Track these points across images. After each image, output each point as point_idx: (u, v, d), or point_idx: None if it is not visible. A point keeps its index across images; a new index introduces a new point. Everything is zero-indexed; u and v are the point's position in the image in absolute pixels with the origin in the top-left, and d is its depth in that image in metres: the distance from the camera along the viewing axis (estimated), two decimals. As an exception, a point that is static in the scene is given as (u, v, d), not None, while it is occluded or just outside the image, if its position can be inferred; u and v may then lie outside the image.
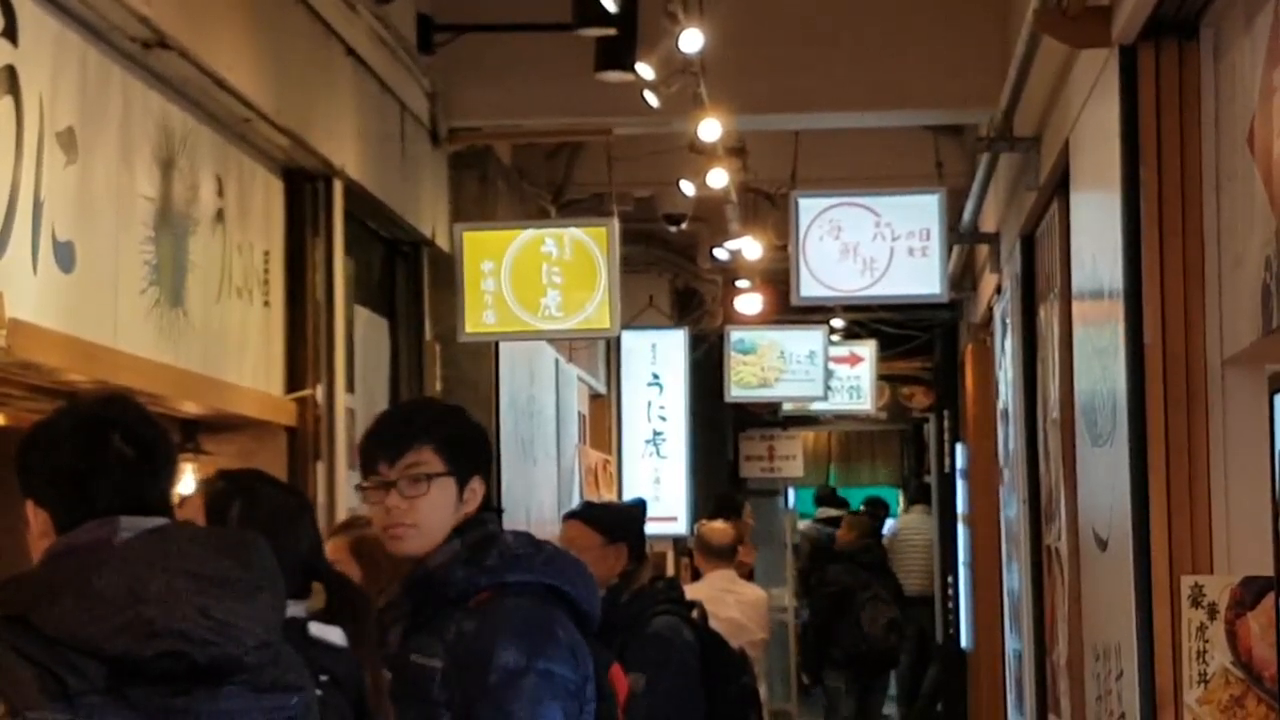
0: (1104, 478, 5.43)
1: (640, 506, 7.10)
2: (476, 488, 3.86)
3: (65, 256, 4.82)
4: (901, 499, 23.34)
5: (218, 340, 6.13)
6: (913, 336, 17.72)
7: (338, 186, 7.17)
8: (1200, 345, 4.78)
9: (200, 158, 5.96)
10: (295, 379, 6.93)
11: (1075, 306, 6.25)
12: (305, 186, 7.04)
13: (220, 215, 6.18)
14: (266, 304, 6.72)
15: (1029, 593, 8.04)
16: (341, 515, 6.82)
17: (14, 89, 4.49)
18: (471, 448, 3.91)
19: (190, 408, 6.08)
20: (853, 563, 15.97)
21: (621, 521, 6.64)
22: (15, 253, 4.49)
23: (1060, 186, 6.56)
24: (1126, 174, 4.93)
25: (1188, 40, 4.81)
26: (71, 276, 4.87)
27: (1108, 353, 5.29)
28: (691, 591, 9.68)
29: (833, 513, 20.56)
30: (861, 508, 19.58)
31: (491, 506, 3.93)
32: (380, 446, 3.87)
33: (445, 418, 3.98)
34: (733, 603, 9.38)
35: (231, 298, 6.29)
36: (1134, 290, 4.89)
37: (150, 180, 5.52)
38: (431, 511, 3.80)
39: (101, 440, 3.04)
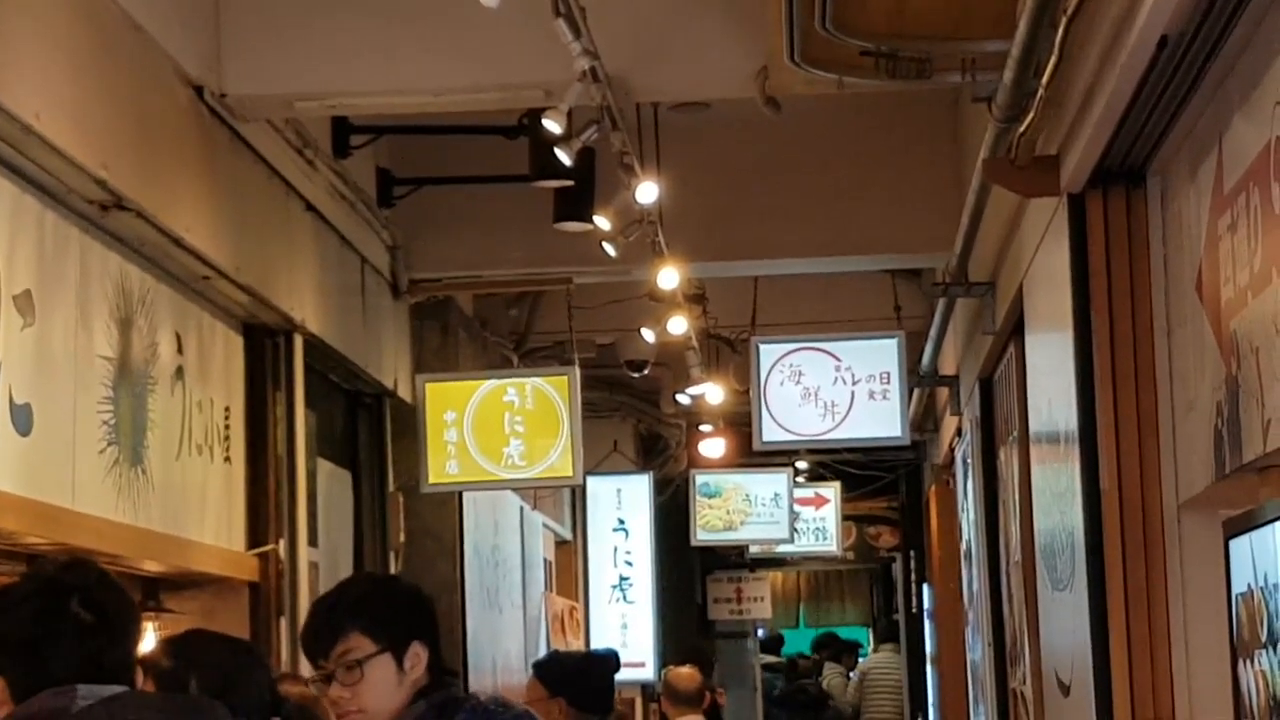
0: (1065, 622, 5.43)
1: (602, 658, 7.05)
2: (419, 652, 3.81)
3: (22, 419, 4.83)
4: (871, 638, 23.29)
5: (178, 497, 6.12)
6: (878, 477, 17.75)
7: (298, 341, 7.20)
8: (1156, 490, 4.80)
9: (159, 316, 5.98)
10: (257, 534, 6.91)
11: (1033, 450, 6.28)
12: (265, 341, 7.07)
13: (180, 372, 6.19)
14: (227, 459, 6.72)
15: (996, 736, 8.02)
16: (306, 672, 6.79)
17: (-29, 254, 4.52)
18: (403, 616, 3.84)
19: (151, 566, 6.06)
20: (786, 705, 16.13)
21: (564, 675, 6.58)
22: (-28, 417, 4.50)
23: (1016, 331, 6.61)
24: (1078, 319, 4.98)
25: (1135, 188, 4.87)
26: (29, 439, 4.87)
27: (1065, 497, 5.32)
28: (657, 738, 9.66)
29: (771, 659, 20.57)
30: (811, 651, 19.63)
31: (445, 669, 3.90)
32: (313, 640, 3.86)
33: (369, 595, 3.90)
34: (698, 748, 9.34)
35: (192, 454, 6.29)
36: (1089, 434, 4.91)
37: (109, 340, 5.53)
38: (373, 693, 3.77)
39: (59, 606, 3.03)
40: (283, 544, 6.96)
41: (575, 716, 6.36)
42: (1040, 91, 4.72)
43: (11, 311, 4.77)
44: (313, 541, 7.50)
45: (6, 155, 4.75)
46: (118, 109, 5.35)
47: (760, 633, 21.87)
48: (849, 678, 19.63)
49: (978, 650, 9.14)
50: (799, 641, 23.32)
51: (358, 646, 3.78)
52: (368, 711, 3.77)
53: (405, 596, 3.90)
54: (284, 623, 6.88)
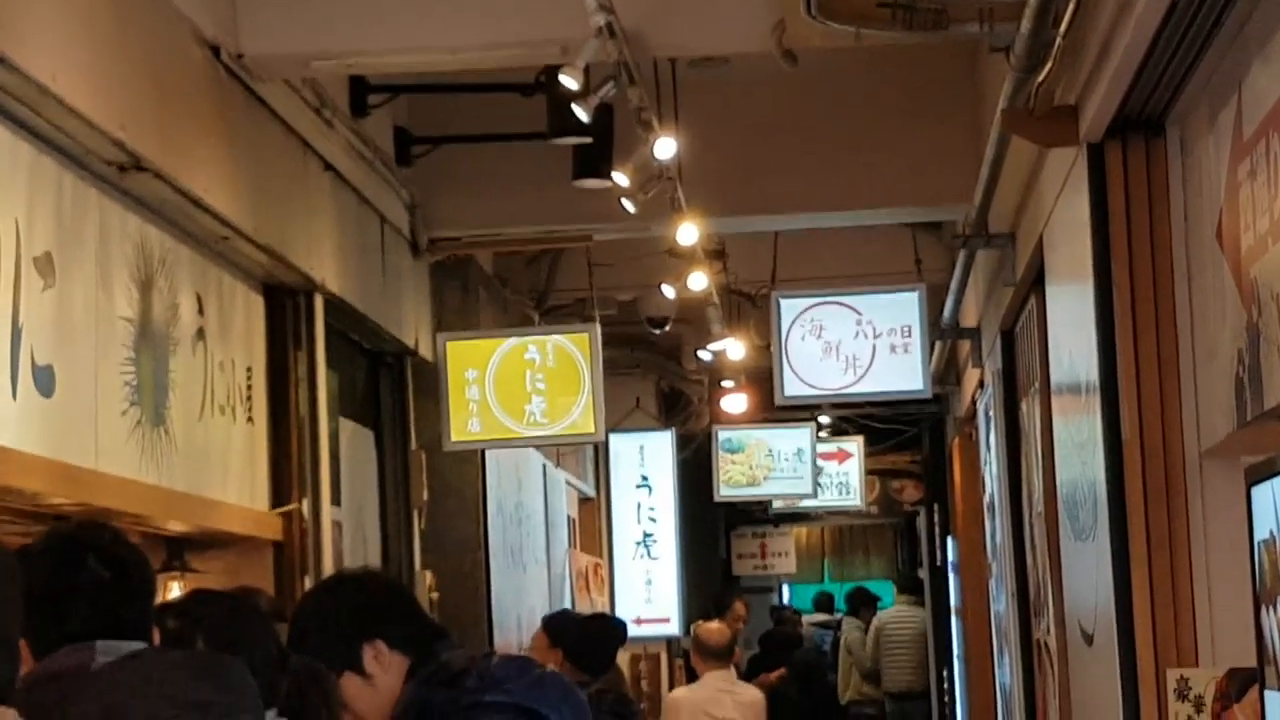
0: (1088, 572, 5.43)
1: (604, 621, 7.22)
2: (378, 650, 3.73)
3: (45, 380, 4.84)
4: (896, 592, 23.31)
5: (201, 458, 6.14)
6: (900, 431, 17.74)
7: (319, 300, 7.20)
8: (1178, 438, 4.80)
9: (179, 277, 5.99)
10: (280, 494, 6.93)
11: (1054, 400, 6.28)
12: (286, 301, 7.07)
13: (201, 333, 6.20)
14: (250, 420, 6.73)
15: (1020, 687, 8.03)
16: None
17: (-10, 217, 4.53)
18: (338, 633, 3.75)
19: (176, 526, 6.08)
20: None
21: (565, 629, 6.77)
22: (-6, 379, 4.51)
23: (1036, 282, 6.60)
24: (1099, 269, 4.97)
25: (1154, 137, 4.86)
26: (52, 400, 4.88)
27: (1087, 447, 5.31)
28: (688, 693, 9.70)
29: (823, 617, 20.63)
30: (844, 607, 19.70)
31: (430, 635, 3.81)
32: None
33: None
34: (730, 703, 9.38)
35: (214, 415, 6.31)
36: (1110, 384, 4.91)
37: (129, 301, 5.54)
38: (357, 709, 3.76)
39: (75, 563, 3.04)
40: (306, 503, 6.98)
41: (570, 670, 6.52)
42: (1058, 41, 4.71)
43: (32, 273, 4.77)
44: (336, 500, 7.52)
45: (24, 117, 4.75)
46: (135, 70, 5.36)
47: (790, 589, 21.90)
48: (867, 632, 19.66)
49: (1001, 601, 9.15)
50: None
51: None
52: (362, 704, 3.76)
53: (332, 612, 3.80)
54: (308, 581, 6.90)
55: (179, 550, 6.41)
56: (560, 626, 6.90)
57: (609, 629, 7.12)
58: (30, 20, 4.59)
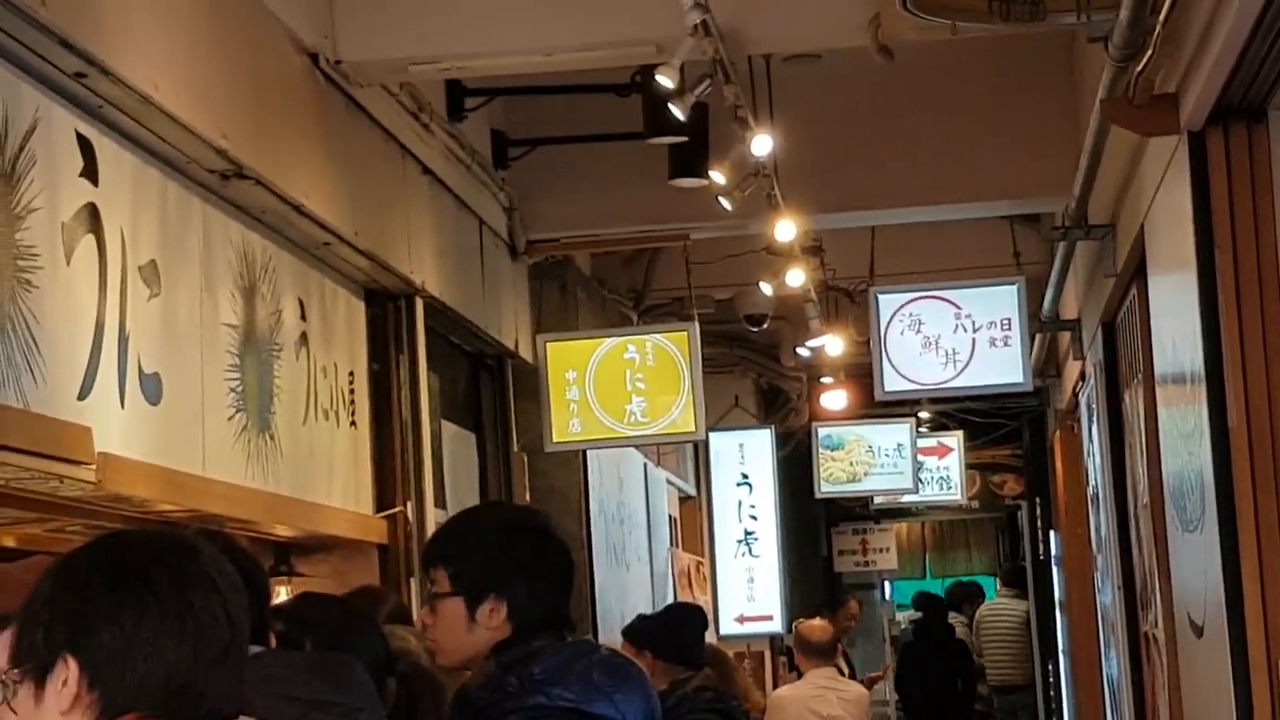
0: (1196, 563, 5.39)
1: (684, 611, 7.24)
2: (494, 608, 3.66)
3: (152, 388, 4.89)
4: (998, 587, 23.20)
5: (306, 462, 6.19)
6: (1001, 424, 17.65)
7: (419, 304, 7.25)
8: (1286, 426, 4.75)
9: (282, 282, 6.04)
10: (385, 497, 6.98)
11: (1159, 391, 6.23)
12: (387, 305, 7.12)
13: (304, 338, 6.25)
14: (353, 424, 6.78)
15: (1128, 681, 7.97)
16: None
17: (96, 227, 4.58)
18: (484, 566, 3.68)
19: (282, 531, 6.13)
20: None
21: (646, 630, 6.78)
22: (103, 387, 4.56)
23: (1138, 272, 6.55)
24: (1202, 257, 4.93)
25: (1256, 123, 4.81)
26: (158, 407, 4.93)
27: (1193, 437, 5.27)
28: (792, 690, 9.70)
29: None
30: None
31: (558, 625, 3.70)
32: (421, 561, 3.87)
33: (463, 535, 3.79)
34: (834, 700, 9.38)
35: (318, 420, 6.35)
36: (1215, 373, 4.87)
37: (233, 308, 5.59)
38: (444, 631, 3.67)
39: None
40: (410, 506, 7.02)
41: (664, 669, 6.50)
42: (1157, 29, 4.67)
43: (138, 282, 4.83)
44: (439, 503, 7.56)
45: (128, 127, 4.80)
46: (235, 78, 5.40)
47: (892, 586, 21.82)
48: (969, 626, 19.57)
49: (1108, 594, 9.08)
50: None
51: (439, 581, 3.72)
52: (440, 644, 3.73)
53: (496, 545, 3.71)
54: (413, 583, 6.94)
55: (285, 555, 6.46)
56: (639, 629, 6.91)
57: (685, 616, 7.13)
58: (132, 32, 4.64)
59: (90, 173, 4.57)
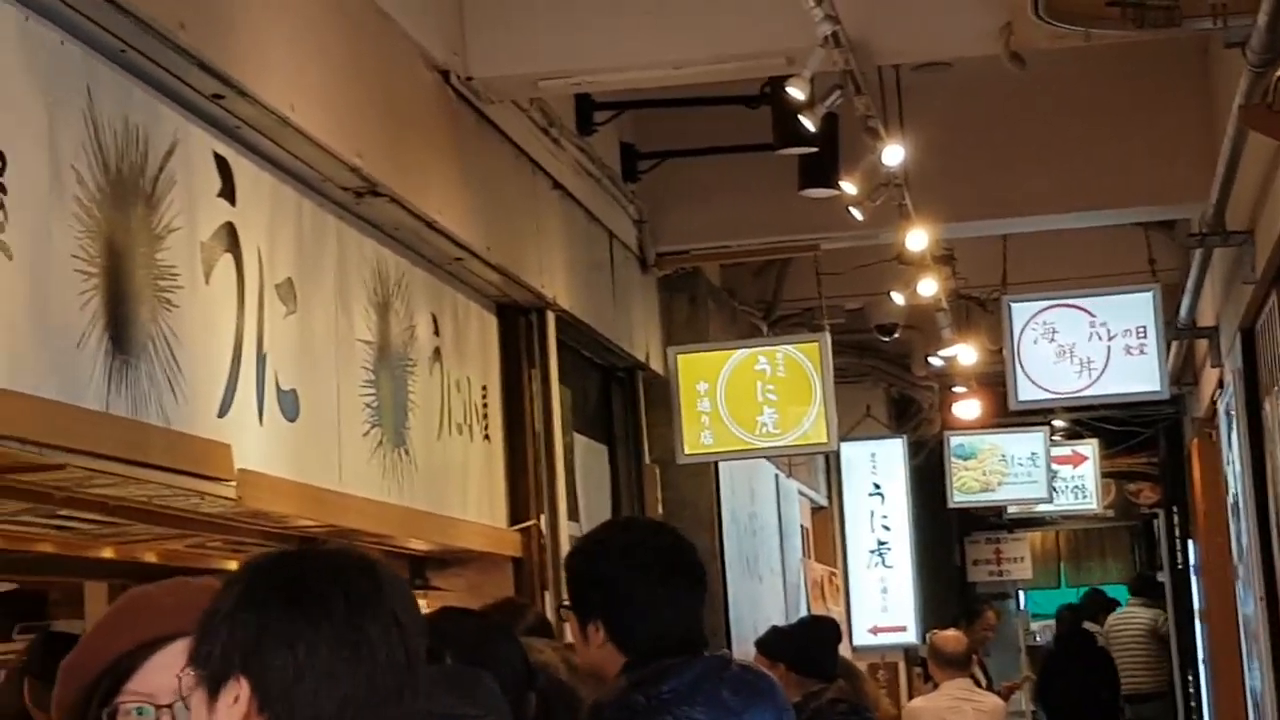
0: (1340, 574, 5.32)
1: (817, 623, 7.22)
2: (596, 629, 3.66)
3: (289, 404, 4.93)
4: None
5: (440, 476, 6.22)
6: (1136, 432, 17.48)
7: (550, 317, 7.27)
8: None
9: (415, 298, 6.08)
10: (518, 510, 7.00)
11: (1300, 399, 6.15)
12: (519, 319, 7.15)
13: (437, 353, 6.28)
14: (486, 438, 6.81)
15: (1272, 691, 7.87)
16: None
17: (234, 246, 4.62)
18: (587, 589, 3.70)
19: (418, 545, 6.16)
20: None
21: (780, 643, 6.79)
22: (241, 404, 4.60)
23: (1277, 279, 6.47)
24: (1343, 264, 4.86)
25: (1398, 127, 4.75)
26: (296, 423, 4.97)
27: (1336, 446, 5.20)
28: (926, 701, 9.64)
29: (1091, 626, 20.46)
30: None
31: (690, 641, 3.65)
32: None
33: (576, 555, 3.83)
34: (970, 711, 9.32)
35: (452, 434, 6.39)
36: (1358, 382, 4.80)
37: (368, 324, 5.63)
38: (576, 644, 3.76)
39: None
40: (543, 519, 7.04)
41: (797, 682, 6.48)
42: (1296, 33, 4.62)
43: (274, 300, 4.87)
44: (573, 516, 7.57)
45: (264, 147, 4.85)
46: (368, 96, 5.44)
47: (1026, 595, 21.64)
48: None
49: (1249, 604, 8.96)
50: (1060, 601, 23.04)
51: (566, 595, 3.78)
52: (579, 657, 3.77)
53: (596, 571, 3.72)
54: (548, 596, 6.96)
55: (421, 568, 6.50)
56: (772, 641, 6.92)
57: (819, 628, 7.12)
58: (267, 53, 4.69)
59: (228, 192, 4.62)
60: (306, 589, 2.19)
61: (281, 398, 4.88)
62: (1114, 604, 19.82)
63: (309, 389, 5.06)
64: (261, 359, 4.74)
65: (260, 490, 4.54)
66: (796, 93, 6.25)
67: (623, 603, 3.67)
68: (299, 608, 2.17)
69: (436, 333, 6.30)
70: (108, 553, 5.01)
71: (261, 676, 2.16)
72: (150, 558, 5.13)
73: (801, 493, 13.06)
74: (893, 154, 7.29)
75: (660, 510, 9.09)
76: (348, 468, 5.35)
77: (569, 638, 3.92)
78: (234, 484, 4.36)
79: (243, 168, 4.72)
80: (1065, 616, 18.00)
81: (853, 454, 13.80)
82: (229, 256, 4.60)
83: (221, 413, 4.49)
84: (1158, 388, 9.43)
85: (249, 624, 2.18)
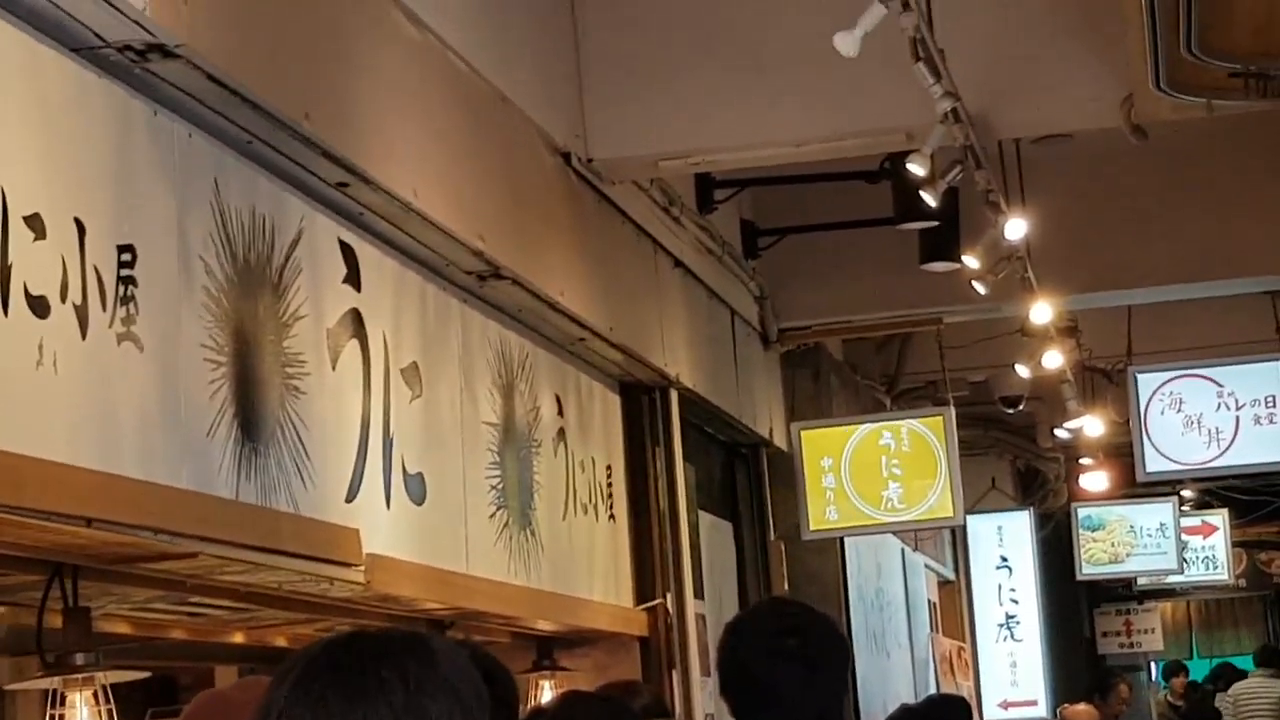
0: None
1: (946, 702, 7.15)
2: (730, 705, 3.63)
3: (416, 488, 4.97)
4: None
5: (566, 557, 6.23)
6: (1268, 501, 17.27)
7: (674, 395, 7.28)
8: None
9: (539, 379, 6.11)
10: (644, 589, 7.00)
11: None
12: (642, 398, 7.17)
13: (561, 433, 6.31)
14: (612, 517, 6.82)
15: None
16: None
17: (359, 331, 4.67)
18: (721, 671, 3.66)
19: (545, 626, 6.17)
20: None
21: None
22: (369, 488, 4.64)
23: None
24: None
25: None
26: (423, 507, 5.00)
27: None
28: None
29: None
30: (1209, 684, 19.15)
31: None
32: None
33: (727, 631, 3.73)
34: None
35: (577, 514, 6.40)
36: None
37: (492, 406, 5.66)
38: None
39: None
40: (670, 598, 7.04)
41: None
42: None
43: (400, 384, 4.91)
44: (698, 594, 7.56)
45: (388, 233, 4.90)
46: (490, 180, 5.49)
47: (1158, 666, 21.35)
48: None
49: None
50: (1196, 673, 22.74)
51: None
52: None
53: (720, 654, 3.68)
54: (675, 675, 6.95)
55: (548, 649, 6.50)
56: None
57: (948, 707, 7.05)
58: (390, 140, 4.74)
59: (353, 279, 4.67)
60: (363, 676, 2.14)
61: (408, 481, 4.91)
62: (1242, 675, 19.54)
63: (435, 472, 5.10)
64: (388, 443, 4.78)
65: (388, 574, 4.57)
66: (917, 169, 6.24)
67: (746, 684, 3.62)
68: (358, 698, 2.13)
69: (560, 413, 6.32)
70: (238, 637, 5.05)
71: None
72: (280, 641, 5.17)
73: (928, 566, 12.99)
74: (1014, 228, 7.26)
75: (786, 587, 9.06)
76: (474, 550, 5.37)
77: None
78: (363, 569, 4.39)
79: (367, 254, 4.77)
80: (1191, 689, 17.76)
81: (979, 527, 13.72)
82: (355, 342, 4.64)
83: (349, 497, 4.53)
84: (1288, 458, 9.33)
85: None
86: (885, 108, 6.35)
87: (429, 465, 5.06)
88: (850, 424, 9.01)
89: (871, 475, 8.74)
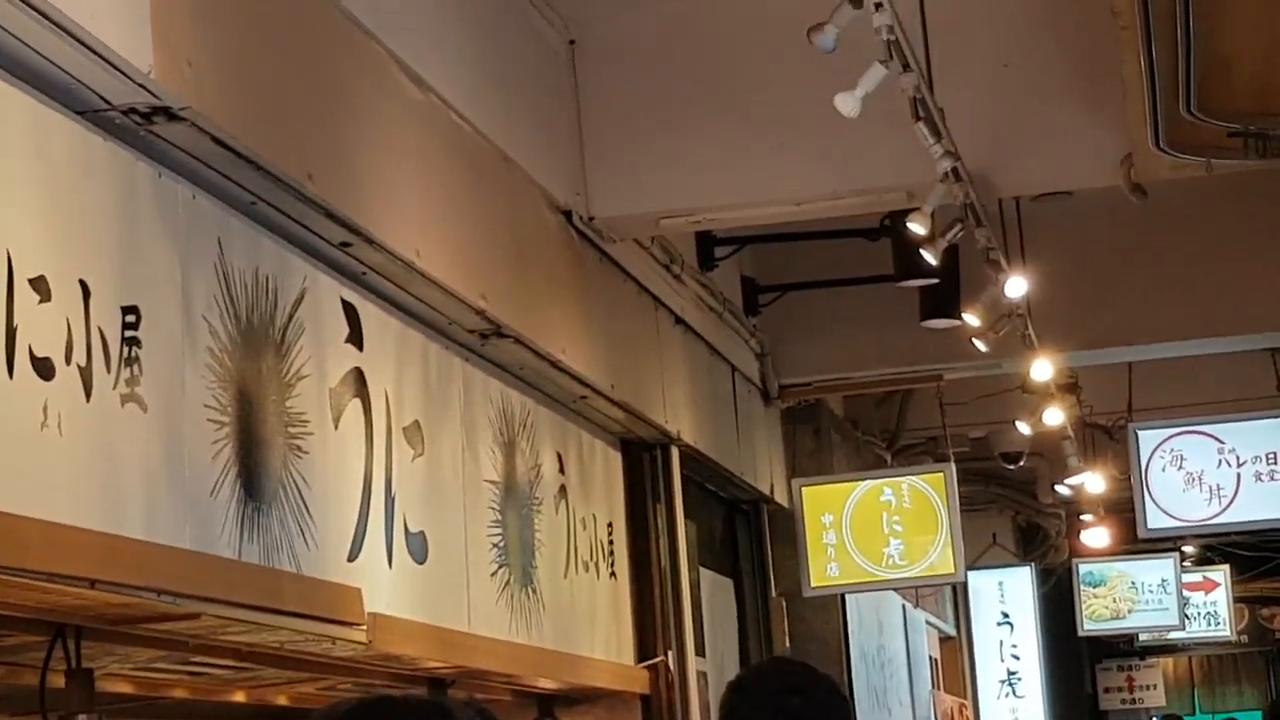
0: None
1: None
2: None
3: (418, 547, 4.97)
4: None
5: (568, 615, 6.23)
6: (1269, 557, 17.26)
7: (675, 452, 7.29)
8: None
9: (540, 437, 6.11)
10: (645, 646, 6.99)
11: None
12: (643, 455, 7.18)
13: (563, 491, 6.31)
14: (613, 574, 6.82)
15: None
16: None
17: (362, 391, 4.68)
18: None
19: (546, 684, 6.16)
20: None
21: None
22: (371, 547, 4.64)
23: None
24: None
25: None
26: (424, 565, 5.00)
27: None
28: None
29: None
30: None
31: None
32: None
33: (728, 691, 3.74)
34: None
35: (578, 571, 6.40)
36: None
37: (494, 464, 5.67)
38: None
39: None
40: (671, 655, 7.03)
41: None
42: None
43: (402, 443, 4.92)
44: (700, 651, 7.56)
45: (390, 292, 4.91)
46: (492, 240, 5.51)
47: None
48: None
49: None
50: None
51: None
52: None
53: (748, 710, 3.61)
54: (676, 733, 6.94)
55: (550, 707, 6.49)
56: None
57: None
58: (394, 201, 4.76)
59: (355, 338, 4.68)
60: None
61: (410, 540, 4.92)
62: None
63: (437, 530, 5.10)
64: (390, 501, 4.79)
65: (391, 634, 4.57)
66: (917, 228, 6.26)
67: None
68: None
69: (562, 470, 6.33)
70: (240, 697, 5.04)
71: None
72: (282, 700, 5.16)
73: (929, 623, 12.97)
74: (1015, 285, 7.28)
75: (787, 644, 9.05)
76: (476, 608, 5.37)
77: None
78: (365, 628, 4.39)
79: (370, 313, 4.78)
80: None
81: (980, 583, 13.72)
82: (357, 401, 4.65)
83: (351, 556, 4.53)
84: (1290, 515, 9.33)
85: None
86: (885, 167, 6.38)
87: (431, 524, 5.06)
88: (851, 480, 9.02)
89: (873, 532, 8.74)
